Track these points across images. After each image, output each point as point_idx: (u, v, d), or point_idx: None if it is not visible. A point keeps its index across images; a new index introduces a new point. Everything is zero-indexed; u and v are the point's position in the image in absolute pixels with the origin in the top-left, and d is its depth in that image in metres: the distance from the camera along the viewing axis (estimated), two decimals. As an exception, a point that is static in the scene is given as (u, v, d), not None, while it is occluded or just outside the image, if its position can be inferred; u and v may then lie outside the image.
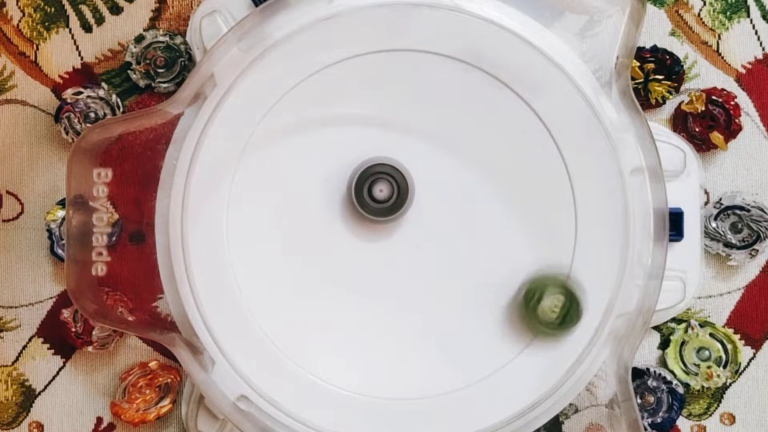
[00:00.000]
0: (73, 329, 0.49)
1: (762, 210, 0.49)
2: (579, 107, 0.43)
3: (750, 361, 0.51)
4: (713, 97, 0.50)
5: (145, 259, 0.44)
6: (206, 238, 0.43)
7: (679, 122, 0.51)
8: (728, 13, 0.51)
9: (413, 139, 0.44)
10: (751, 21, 0.51)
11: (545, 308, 0.42)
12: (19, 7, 0.51)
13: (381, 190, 0.43)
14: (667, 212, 0.43)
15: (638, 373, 0.50)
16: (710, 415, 0.51)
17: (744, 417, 0.51)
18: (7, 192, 0.51)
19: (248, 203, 0.43)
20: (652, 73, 0.50)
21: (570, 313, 0.42)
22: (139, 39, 0.50)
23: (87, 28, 0.51)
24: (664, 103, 0.51)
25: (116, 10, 0.51)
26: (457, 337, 0.44)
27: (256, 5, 0.47)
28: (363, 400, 0.43)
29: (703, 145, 0.50)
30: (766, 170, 0.51)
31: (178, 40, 0.50)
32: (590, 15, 0.44)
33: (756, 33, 0.51)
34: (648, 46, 0.50)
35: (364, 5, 0.43)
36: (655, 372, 0.49)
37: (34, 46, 0.51)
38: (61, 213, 0.49)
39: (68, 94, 0.50)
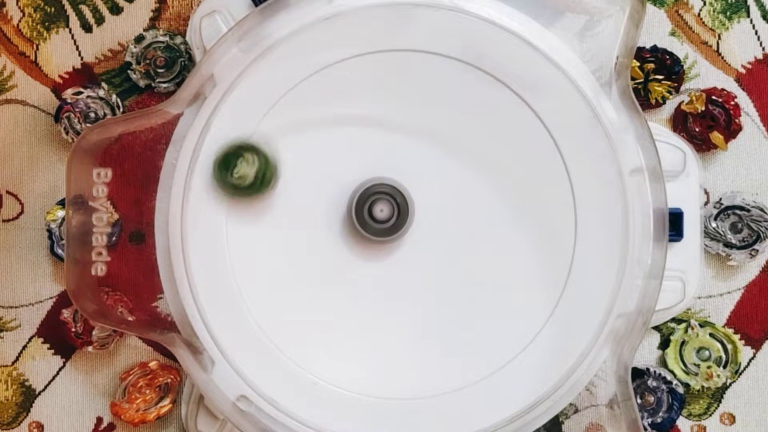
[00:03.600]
0: (73, 329, 0.49)
1: (762, 210, 0.49)
2: (579, 107, 0.43)
3: (750, 361, 0.51)
4: (713, 97, 0.50)
5: (145, 259, 0.44)
6: (206, 238, 0.43)
7: (679, 122, 0.51)
8: (728, 13, 0.51)
9: (413, 139, 0.44)
10: (751, 21, 0.51)
11: (242, 174, 0.42)
12: (19, 7, 0.51)
13: (381, 210, 0.43)
14: (666, 212, 0.43)
15: (638, 373, 0.50)
16: (710, 415, 0.51)
17: (744, 417, 0.51)
18: (7, 192, 0.51)
19: (248, 204, 0.43)
20: (652, 73, 0.50)
21: (266, 174, 0.42)
22: (139, 39, 0.50)
23: (87, 28, 0.51)
24: (664, 103, 0.51)
25: (116, 10, 0.51)
26: (456, 337, 0.44)
27: (256, 5, 0.47)
28: (363, 400, 0.43)
29: (703, 145, 0.50)
30: (766, 170, 0.51)
31: (178, 40, 0.50)
32: (590, 15, 0.44)
33: (756, 33, 0.51)
34: (648, 46, 0.50)
35: (364, 5, 0.43)
36: (655, 372, 0.49)
37: (34, 46, 0.51)
38: (61, 213, 0.49)
39: (68, 94, 0.50)
